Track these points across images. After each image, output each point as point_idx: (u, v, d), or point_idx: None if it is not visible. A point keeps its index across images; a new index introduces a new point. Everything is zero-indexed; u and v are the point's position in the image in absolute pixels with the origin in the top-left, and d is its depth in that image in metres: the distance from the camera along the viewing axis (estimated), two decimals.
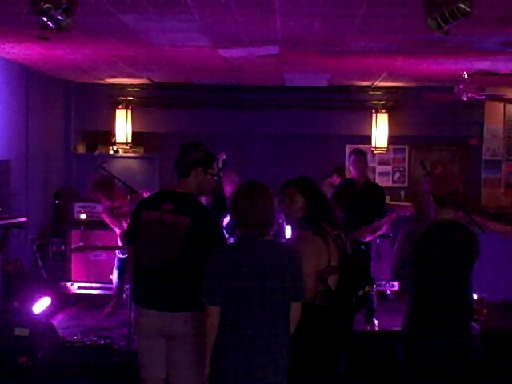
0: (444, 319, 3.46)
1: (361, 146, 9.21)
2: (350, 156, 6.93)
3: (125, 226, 6.56)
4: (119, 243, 6.73)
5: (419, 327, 3.49)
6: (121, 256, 6.79)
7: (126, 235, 3.88)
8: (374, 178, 9.07)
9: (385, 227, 6.46)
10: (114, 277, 6.92)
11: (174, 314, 3.40)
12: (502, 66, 7.13)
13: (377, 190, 6.54)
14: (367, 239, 6.22)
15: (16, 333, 4.73)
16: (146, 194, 5.46)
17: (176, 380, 3.49)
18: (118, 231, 6.70)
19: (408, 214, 6.41)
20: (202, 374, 3.11)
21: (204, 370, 3.08)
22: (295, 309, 3.10)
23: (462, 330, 3.51)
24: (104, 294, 7.27)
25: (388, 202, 7.68)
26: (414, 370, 3.51)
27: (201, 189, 3.68)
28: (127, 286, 6.59)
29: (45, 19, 3.81)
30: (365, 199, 6.31)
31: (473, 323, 3.93)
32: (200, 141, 3.75)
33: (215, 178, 4.12)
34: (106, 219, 6.73)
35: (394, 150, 9.70)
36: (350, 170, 6.79)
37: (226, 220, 4.61)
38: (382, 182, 8.85)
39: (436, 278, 3.47)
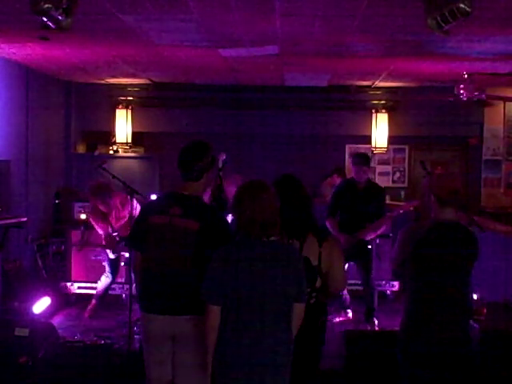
0: (443, 319, 3.45)
1: (361, 146, 9.25)
2: (350, 158, 6.95)
3: (109, 228, 6.63)
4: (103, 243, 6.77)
5: (418, 327, 3.48)
6: (112, 256, 6.79)
7: (130, 240, 3.84)
8: (374, 178, 9.07)
9: (384, 226, 6.47)
10: (104, 282, 6.89)
11: (184, 317, 3.39)
12: (502, 66, 7.14)
13: (378, 190, 6.55)
14: (369, 237, 6.25)
15: (16, 333, 4.72)
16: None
17: (182, 381, 3.48)
18: (102, 233, 6.69)
19: (411, 208, 6.43)
20: (208, 376, 3.10)
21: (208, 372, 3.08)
22: (298, 310, 3.08)
23: (461, 331, 3.50)
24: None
25: (388, 201, 7.69)
26: (412, 371, 3.50)
27: (206, 187, 3.70)
28: (127, 287, 6.60)
29: (45, 19, 3.81)
30: (366, 200, 6.31)
31: (473, 323, 3.92)
32: (202, 139, 3.69)
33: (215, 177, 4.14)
34: (92, 220, 6.78)
35: (394, 150, 9.71)
36: (351, 170, 6.81)
37: (229, 219, 4.62)
38: (382, 182, 8.86)
39: (435, 278, 3.47)
